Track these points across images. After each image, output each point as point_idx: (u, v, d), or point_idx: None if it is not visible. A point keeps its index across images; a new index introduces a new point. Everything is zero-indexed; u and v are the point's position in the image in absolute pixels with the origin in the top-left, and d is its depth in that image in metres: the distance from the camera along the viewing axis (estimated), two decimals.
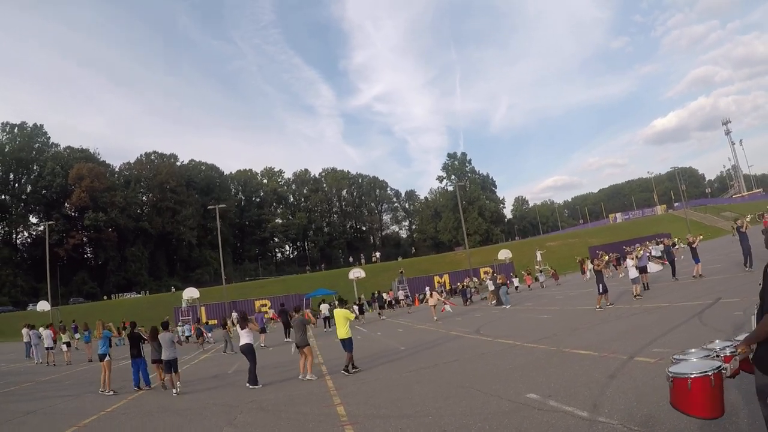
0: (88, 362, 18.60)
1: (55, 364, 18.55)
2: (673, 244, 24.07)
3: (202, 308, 40.58)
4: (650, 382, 5.42)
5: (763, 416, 2.51)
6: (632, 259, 16.09)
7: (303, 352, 9.92)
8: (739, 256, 16.49)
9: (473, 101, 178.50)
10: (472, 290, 31.25)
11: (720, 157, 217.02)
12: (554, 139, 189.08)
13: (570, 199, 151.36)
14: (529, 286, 34.03)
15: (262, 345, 19.03)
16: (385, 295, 37.46)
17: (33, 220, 78.92)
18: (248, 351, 9.79)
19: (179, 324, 30.53)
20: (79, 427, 7.63)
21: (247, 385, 9.54)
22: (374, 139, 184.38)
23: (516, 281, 33.03)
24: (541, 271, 38.34)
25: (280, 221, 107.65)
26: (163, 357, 10.18)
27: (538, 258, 42.41)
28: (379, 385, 8.19)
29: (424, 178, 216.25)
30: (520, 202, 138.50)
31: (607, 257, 26.01)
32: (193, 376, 12.69)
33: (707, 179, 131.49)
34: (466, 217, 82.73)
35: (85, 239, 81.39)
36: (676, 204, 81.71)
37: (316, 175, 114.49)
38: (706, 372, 2.56)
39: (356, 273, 39.06)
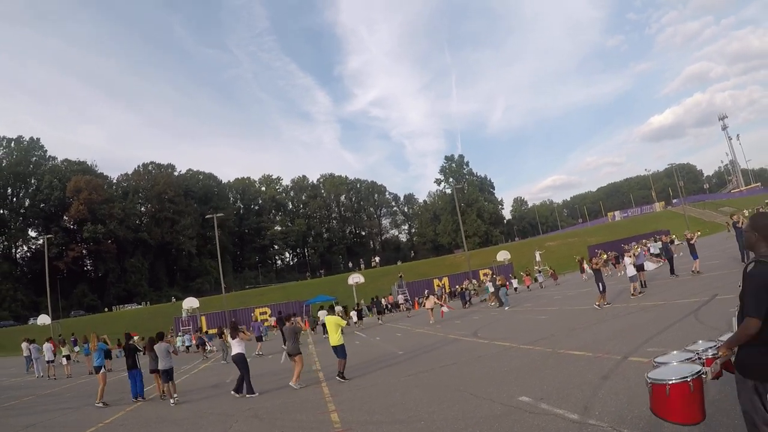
0: (88, 375, 18.53)
1: (55, 378, 18.61)
2: (671, 241, 24.08)
3: (203, 317, 40.51)
4: (643, 382, 5.34)
5: (744, 419, 2.48)
6: (630, 257, 16.13)
7: (294, 360, 9.89)
8: (736, 251, 16.53)
9: (470, 103, 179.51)
10: (471, 293, 31.29)
11: (717, 152, 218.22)
12: (552, 139, 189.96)
13: (569, 199, 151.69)
14: (528, 286, 33.99)
15: (260, 353, 19.02)
16: (383, 300, 37.38)
17: (32, 233, 79.08)
18: (240, 360, 9.75)
19: (179, 334, 30.54)
20: None
21: (243, 395, 9.53)
22: (371, 143, 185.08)
23: (515, 282, 32.98)
24: (540, 272, 38.36)
25: (279, 228, 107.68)
26: (160, 366, 10.33)
27: (537, 258, 42.47)
28: (375, 391, 8.19)
29: (422, 182, 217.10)
30: (519, 202, 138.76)
31: (605, 256, 26.09)
32: (192, 386, 12.79)
33: (705, 175, 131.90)
34: (464, 219, 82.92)
35: (84, 252, 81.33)
36: (674, 201, 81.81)
37: (314, 182, 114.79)
38: (685, 378, 2.51)
39: (355, 278, 39.12)
